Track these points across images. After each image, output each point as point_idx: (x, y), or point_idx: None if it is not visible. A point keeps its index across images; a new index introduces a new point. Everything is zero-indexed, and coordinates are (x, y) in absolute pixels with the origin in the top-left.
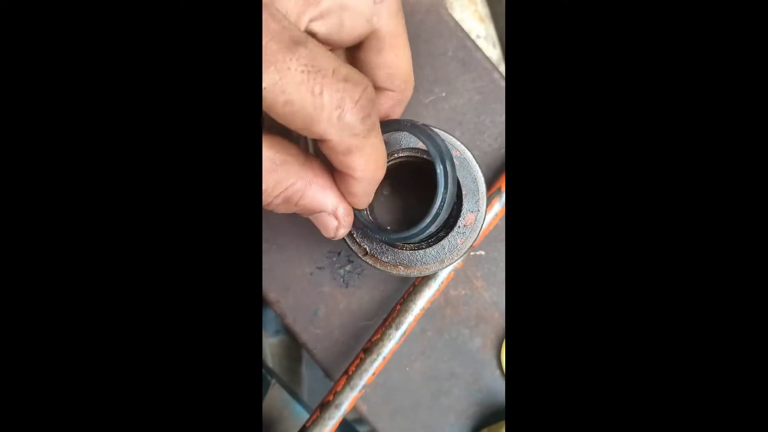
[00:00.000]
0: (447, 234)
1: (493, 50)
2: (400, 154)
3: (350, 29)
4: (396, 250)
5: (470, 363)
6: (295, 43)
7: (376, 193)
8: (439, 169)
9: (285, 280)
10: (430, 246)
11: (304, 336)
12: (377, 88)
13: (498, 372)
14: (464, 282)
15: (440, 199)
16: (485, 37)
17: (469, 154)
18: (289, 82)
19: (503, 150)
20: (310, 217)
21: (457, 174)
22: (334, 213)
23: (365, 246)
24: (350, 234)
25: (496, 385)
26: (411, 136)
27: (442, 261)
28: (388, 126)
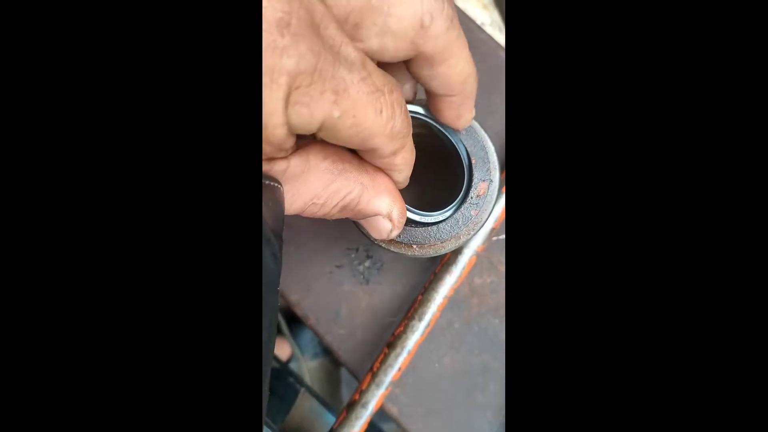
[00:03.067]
0: (459, 206)
1: (500, 35)
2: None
3: (393, 52)
4: (408, 227)
5: (503, 354)
6: (358, 66)
7: None
8: (460, 146)
9: (305, 281)
10: (445, 220)
11: (328, 337)
12: (436, 96)
13: None
14: (489, 269)
15: (469, 175)
16: (490, 24)
17: (476, 123)
18: (359, 105)
19: None
20: (361, 221)
21: (465, 143)
22: (389, 215)
23: None
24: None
25: None
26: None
27: (458, 237)
28: None
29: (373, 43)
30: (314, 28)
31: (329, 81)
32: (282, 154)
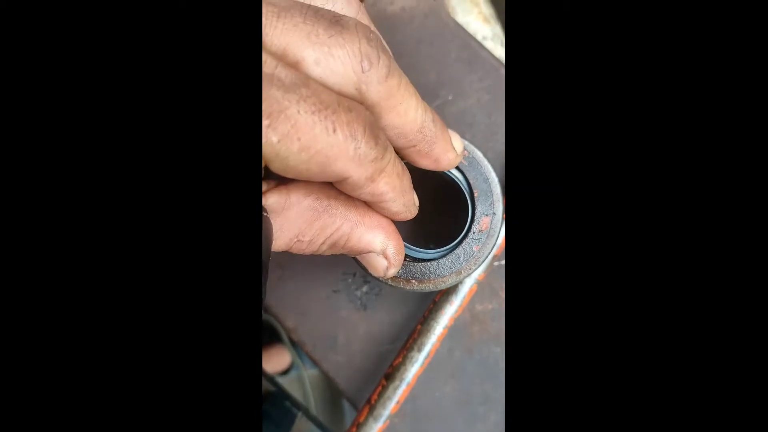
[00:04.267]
0: (461, 242)
1: (501, 49)
2: None
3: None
4: (407, 262)
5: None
6: (297, 85)
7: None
8: (462, 180)
9: (301, 306)
10: (444, 256)
11: (325, 364)
12: (400, 149)
13: None
14: (490, 295)
15: (472, 210)
16: (492, 38)
17: (479, 153)
18: (302, 126)
19: None
20: (358, 257)
21: (468, 175)
22: (383, 253)
23: None
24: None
25: None
26: None
27: (459, 272)
28: None
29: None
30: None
31: (271, 103)
32: None
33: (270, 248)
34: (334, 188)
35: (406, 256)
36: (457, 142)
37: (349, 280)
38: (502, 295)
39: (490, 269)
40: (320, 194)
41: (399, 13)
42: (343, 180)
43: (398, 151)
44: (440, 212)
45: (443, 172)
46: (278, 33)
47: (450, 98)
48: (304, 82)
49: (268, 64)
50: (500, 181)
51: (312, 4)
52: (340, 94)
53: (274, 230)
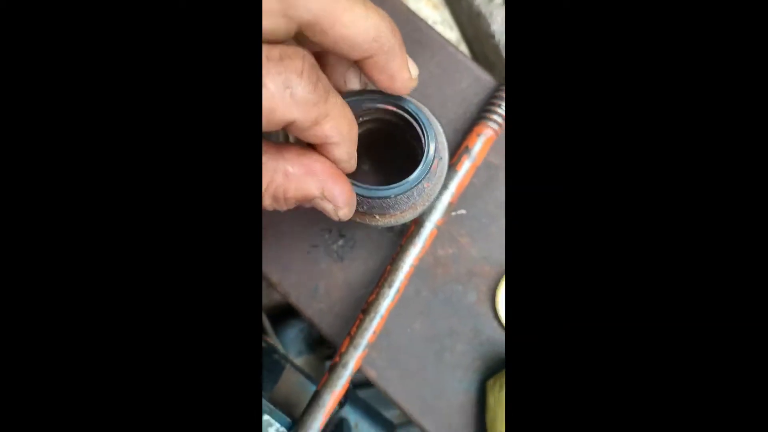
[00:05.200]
0: (410, 172)
1: (450, 33)
2: (365, 117)
3: (274, 29)
4: (369, 200)
5: (468, 318)
6: None
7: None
8: (418, 122)
9: (284, 262)
10: (400, 193)
11: (309, 312)
12: (358, 64)
13: (496, 323)
14: (450, 241)
15: (428, 148)
16: (441, 22)
17: (424, 107)
18: None
19: (467, 115)
20: (311, 205)
21: (416, 122)
22: (326, 196)
23: None
24: None
25: (496, 336)
26: (369, 98)
27: (415, 206)
28: (349, 95)
29: None
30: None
31: None
32: None
33: None
34: (263, 143)
35: (364, 195)
36: (413, 66)
37: (326, 236)
38: (461, 241)
39: (448, 217)
40: None
41: None
42: (290, 124)
43: (360, 68)
44: (401, 162)
45: (400, 110)
46: None
47: None
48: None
49: None
50: (447, 138)
51: None
52: (271, 37)
53: None
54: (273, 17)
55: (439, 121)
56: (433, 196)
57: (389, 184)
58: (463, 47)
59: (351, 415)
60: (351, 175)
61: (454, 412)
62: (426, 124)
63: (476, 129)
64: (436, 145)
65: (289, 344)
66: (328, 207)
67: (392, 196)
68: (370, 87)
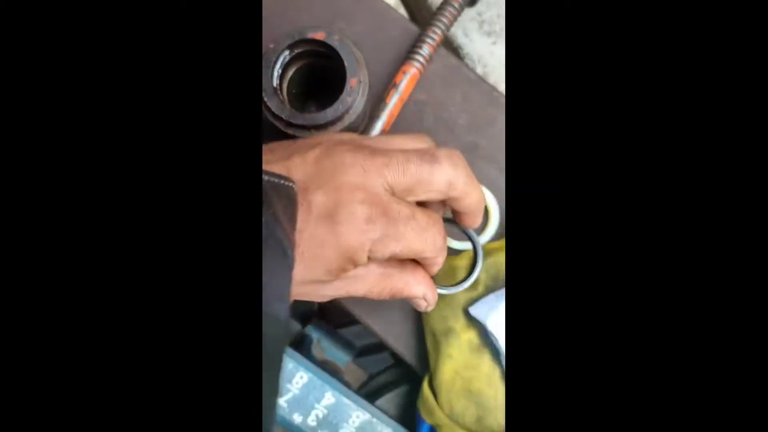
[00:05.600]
0: (336, 96)
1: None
2: (298, 50)
3: (435, 199)
4: (305, 115)
5: None
6: (409, 219)
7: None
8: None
9: None
10: (324, 108)
11: None
12: (462, 213)
13: None
14: None
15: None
16: None
17: (346, 39)
18: (411, 241)
19: (398, 60)
20: (408, 299)
21: (338, 50)
22: (424, 297)
23: (281, 116)
24: (269, 110)
25: None
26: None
27: (342, 118)
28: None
29: (422, 198)
30: (386, 214)
31: (393, 235)
32: (355, 266)
33: (296, 215)
34: (395, 260)
35: (301, 123)
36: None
37: None
38: None
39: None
40: (387, 266)
41: None
42: (422, 258)
43: (457, 215)
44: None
45: (330, 48)
46: (395, 177)
47: (344, 27)
48: (412, 214)
49: (399, 211)
50: (380, 80)
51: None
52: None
53: (359, 286)
54: (439, 195)
55: (372, 65)
56: (358, 111)
57: (312, 108)
58: (402, 10)
59: (314, 333)
60: (292, 104)
61: (396, 310)
62: (342, 50)
63: (402, 68)
64: (355, 67)
65: None
66: (422, 304)
67: (321, 113)
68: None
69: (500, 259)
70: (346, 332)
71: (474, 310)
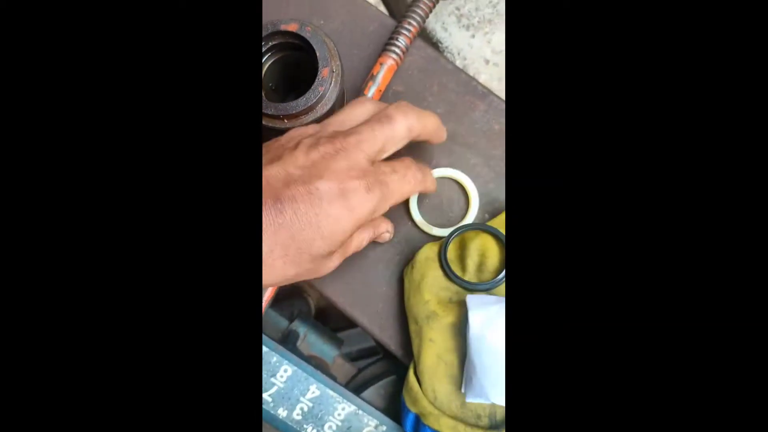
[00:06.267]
0: (310, 86)
1: None
2: (272, 42)
3: (400, 146)
4: (276, 104)
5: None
6: (390, 173)
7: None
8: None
9: None
10: (299, 96)
11: None
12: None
13: (410, 224)
14: None
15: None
16: None
17: (319, 30)
18: (394, 188)
19: (376, 52)
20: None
21: (311, 41)
22: (387, 230)
23: None
24: None
25: (410, 234)
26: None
27: (314, 108)
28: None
29: (392, 151)
30: (377, 178)
31: (387, 193)
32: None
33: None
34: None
35: (273, 114)
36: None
37: None
38: None
39: None
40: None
41: None
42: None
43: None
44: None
45: (302, 40)
46: (369, 147)
47: (322, 22)
48: (392, 169)
49: (378, 168)
50: (358, 73)
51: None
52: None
53: (350, 248)
54: (403, 142)
55: (351, 59)
56: (331, 101)
57: (291, 96)
58: (382, 7)
59: (300, 328)
60: (269, 96)
61: (380, 301)
62: (314, 40)
63: (380, 59)
64: (327, 57)
65: None
66: (386, 236)
67: (293, 102)
68: None
69: (487, 243)
70: (342, 335)
71: (469, 298)
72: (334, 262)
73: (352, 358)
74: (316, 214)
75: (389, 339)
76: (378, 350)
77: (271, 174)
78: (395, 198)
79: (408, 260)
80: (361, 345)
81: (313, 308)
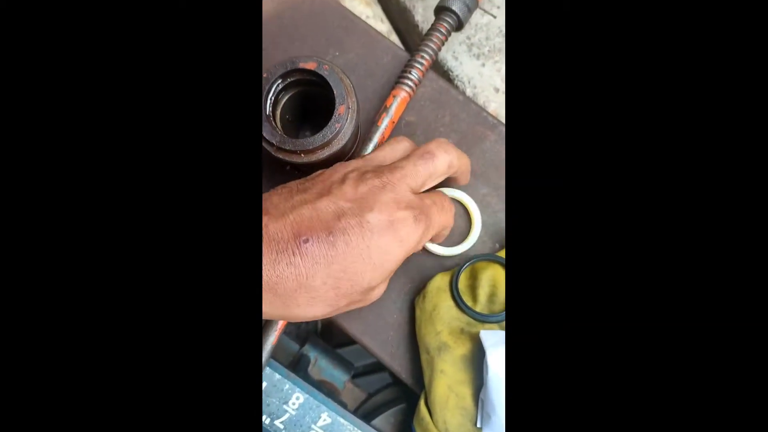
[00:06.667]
0: (327, 122)
1: (381, 25)
2: (290, 79)
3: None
4: (294, 140)
5: None
6: (429, 205)
7: (281, 119)
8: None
9: None
10: (317, 132)
11: None
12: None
13: (420, 252)
14: None
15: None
16: (373, 17)
17: (335, 67)
18: (434, 218)
19: (389, 84)
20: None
21: (327, 79)
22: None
23: (272, 141)
24: (263, 137)
25: (422, 262)
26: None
27: (330, 144)
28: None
29: (432, 185)
30: (422, 210)
31: (431, 223)
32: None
33: None
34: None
35: (290, 149)
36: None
37: None
38: None
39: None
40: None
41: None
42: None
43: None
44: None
45: (320, 77)
46: (413, 181)
47: (337, 54)
48: (433, 201)
49: (422, 201)
50: (372, 104)
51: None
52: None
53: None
54: (442, 177)
55: (365, 90)
56: (347, 137)
57: (307, 133)
58: (394, 37)
59: (311, 353)
60: (301, 137)
61: (390, 329)
62: (331, 78)
63: (393, 92)
64: (343, 94)
65: None
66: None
67: (310, 138)
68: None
69: (498, 274)
70: (345, 352)
71: (483, 335)
72: (381, 291)
73: (357, 373)
74: (368, 246)
75: (400, 367)
76: (382, 366)
77: (321, 207)
78: (436, 228)
79: (419, 289)
80: (366, 361)
81: (319, 325)
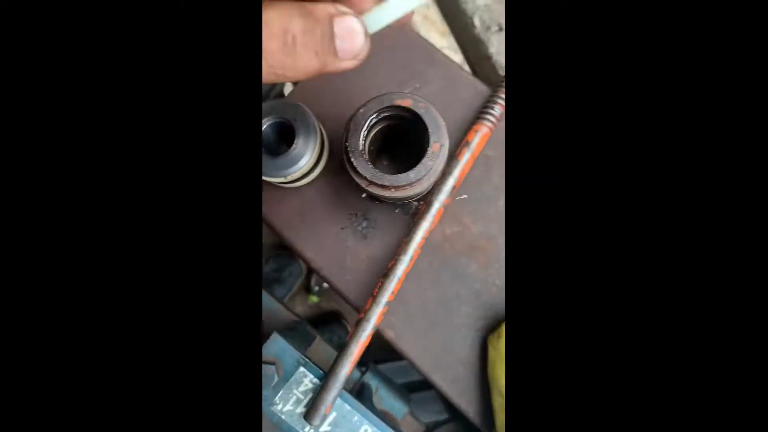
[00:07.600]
0: (420, 159)
1: (455, 56)
2: (384, 114)
3: None
4: (387, 176)
5: (471, 284)
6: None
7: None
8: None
9: (317, 242)
10: (410, 169)
11: (338, 283)
12: None
13: (494, 288)
14: (455, 221)
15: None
16: (448, 47)
17: (430, 105)
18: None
19: (468, 117)
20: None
21: (423, 117)
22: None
23: (366, 176)
24: (353, 168)
25: (494, 299)
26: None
27: (421, 181)
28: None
29: None
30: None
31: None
32: None
33: None
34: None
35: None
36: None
37: (353, 219)
38: (464, 220)
39: (453, 200)
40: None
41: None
42: None
43: None
44: (405, 149)
45: (414, 114)
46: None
47: (418, 86)
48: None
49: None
50: (451, 137)
51: None
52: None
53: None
54: None
55: (445, 122)
56: (437, 174)
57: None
58: (467, 67)
59: (372, 381)
60: (377, 166)
61: (460, 366)
62: (427, 117)
63: (474, 127)
64: (438, 132)
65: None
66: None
67: (404, 174)
68: None
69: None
70: (392, 368)
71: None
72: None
73: (405, 390)
74: None
75: (468, 405)
76: (428, 384)
77: None
78: None
79: (491, 326)
80: (409, 377)
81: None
